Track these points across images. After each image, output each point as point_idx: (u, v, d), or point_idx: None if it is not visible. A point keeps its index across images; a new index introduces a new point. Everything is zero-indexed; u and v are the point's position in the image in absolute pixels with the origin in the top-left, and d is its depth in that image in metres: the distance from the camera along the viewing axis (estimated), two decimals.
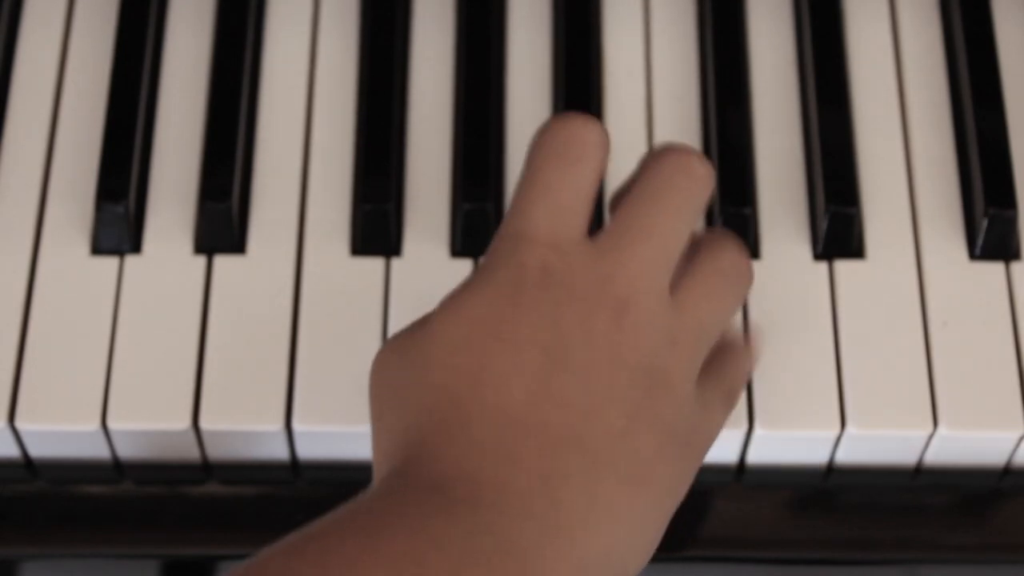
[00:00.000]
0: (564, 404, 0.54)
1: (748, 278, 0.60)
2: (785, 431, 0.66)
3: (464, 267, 0.70)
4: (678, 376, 0.56)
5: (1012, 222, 0.69)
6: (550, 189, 0.57)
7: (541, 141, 0.58)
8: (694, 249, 0.59)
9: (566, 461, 0.53)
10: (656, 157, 0.59)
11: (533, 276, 0.55)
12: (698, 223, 0.59)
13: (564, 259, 0.56)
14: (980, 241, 0.70)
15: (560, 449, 0.53)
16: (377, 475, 0.56)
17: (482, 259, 0.58)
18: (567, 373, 0.54)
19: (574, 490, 0.53)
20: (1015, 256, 0.70)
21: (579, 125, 0.58)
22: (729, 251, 0.59)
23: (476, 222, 0.69)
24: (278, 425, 0.67)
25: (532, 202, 0.57)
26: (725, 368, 0.60)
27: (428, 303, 0.69)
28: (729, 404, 0.60)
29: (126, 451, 0.68)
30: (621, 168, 0.72)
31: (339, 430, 0.66)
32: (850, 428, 0.66)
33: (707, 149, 0.72)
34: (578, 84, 0.72)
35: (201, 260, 0.70)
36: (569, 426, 0.54)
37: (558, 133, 0.58)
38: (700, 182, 0.58)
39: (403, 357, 0.57)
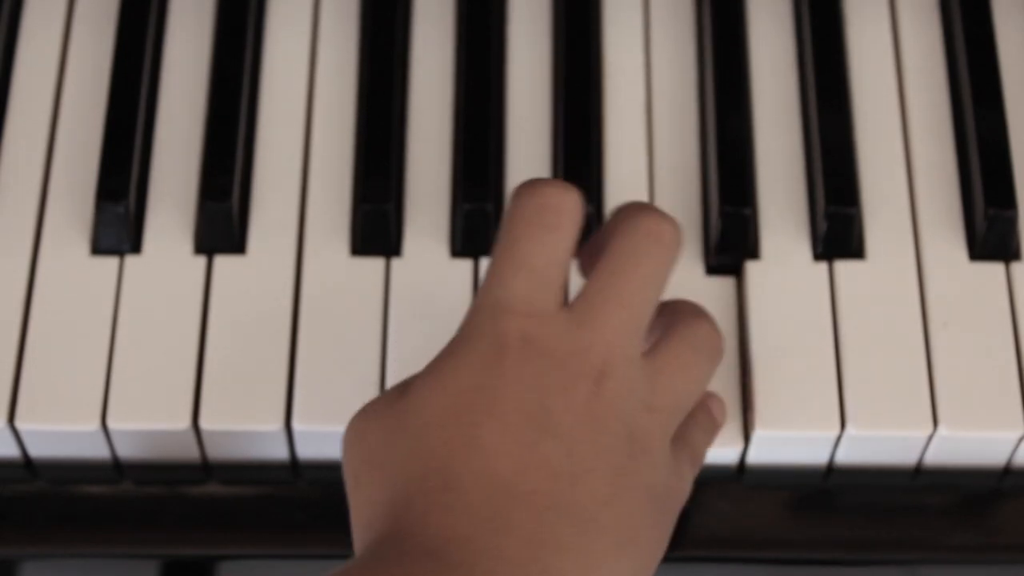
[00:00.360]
0: (551, 471, 0.55)
1: (719, 352, 0.62)
2: (785, 431, 0.66)
3: (464, 267, 0.70)
4: (656, 441, 0.58)
5: (1012, 222, 0.69)
6: (527, 258, 0.58)
7: (516, 207, 0.58)
8: (665, 313, 0.61)
9: (557, 528, 0.55)
10: (627, 220, 0.59)
11: (514, 346, 0.56)
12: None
13: (543, 328, 0.57)
14: (980, 241, 0.70)
15: (549, 516, 0.55)
16: (358, 544, 0.57)
17: (460, 326, 0.59)
18: (553, 441, 0.56)
19: (566, 557, 0.54)
20: (1015, 256, 0.70)
21: (554, 191, 0.58)
22: (704, 326, 0.61)
23: (476, 222, 0.69)
24: (278, 425, 0.67)
25: (509, 271, 0.58)
26: (691, 433, 0.62)
27: (428, 303, 0.69)
28: (694, 468, 0.62)
29: (126, 451, 0.68)
30: (621, 168, 0.72)
31: (339, 430, 0.65)
32: (850, 428, 0.66)
33: (707, 149, 0.72)
34: (578, 85, 0.72)
35: (201, 260, 0.70)
36: (557, 493, 0.55)
37: (533, 199, 0.58)
38: (670, 248, 0.59)
39: (385, 427, 0.58)
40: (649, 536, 0.57)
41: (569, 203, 0.58)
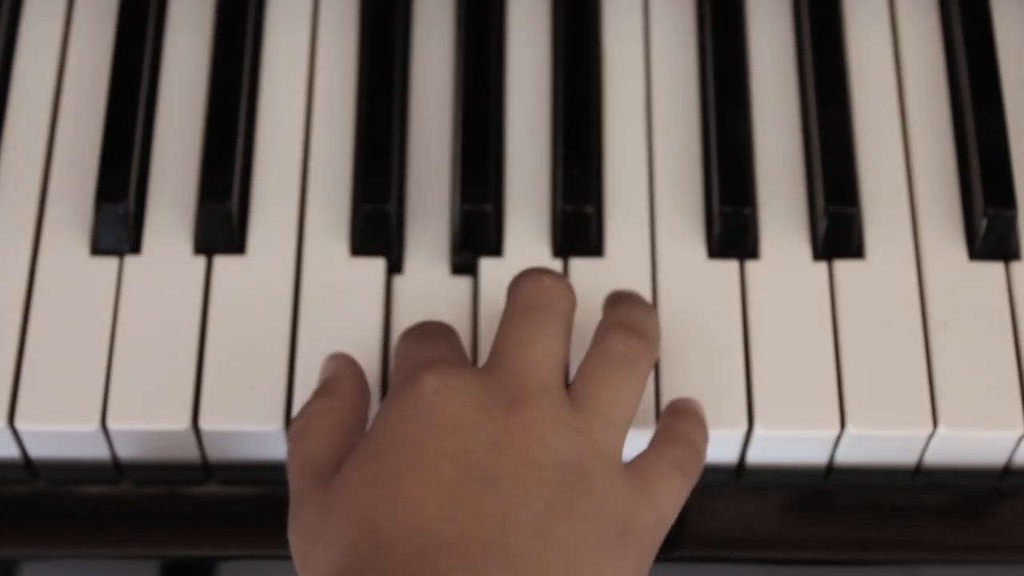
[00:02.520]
0: (479, 513, 0.56)
1: (637, 356, 0.62)
2: (785, 431, 0.66)
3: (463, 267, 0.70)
4: (592, 466, 0.59)
5: (1012, 222, 0.69)
6: (427, 341, 0.63)
7: (401, 337, 0.64)
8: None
9: (490, 570, 0.55)
10: (512, 283, 0.64)
11: (429, 395, 0.59)
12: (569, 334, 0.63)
13: (455, 375, 0.60)
14: (980, 241, 0.70)
15: (483, 557, 0.55)
16: None
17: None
18: (478, 483, 0.57)
19: None
20: (1015, 256, 0.70)
21: (431, 321, 0.65)
22: (615, 337, 0.62)
23: (476, 222, 0.69)
24: (278, 425, 0.67)
25: (414, 348, 0.62)
26: (663, 448, 0.62)
27: (428, 303, 0.69)
28: (684, 474, 0.62)
29: (126, 451, 0.68)
30: (621, 167, 0.72)
31: None
32: (850, 428, 0.66)
33: (707, 148, 0.72)
34: (578, 84, 0.72)
35: (201, 260, 0.70)
36: (487, 534, 0.56)
37: (416, 327, 0.64)
38: (555, 291, 0.63)
39: (319, 505, 0.59)
40: (599, 562, 0.57)
41: (444, 327, 0.65)
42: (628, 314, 0.64)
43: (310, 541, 0.59)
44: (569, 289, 0.63)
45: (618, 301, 0.65)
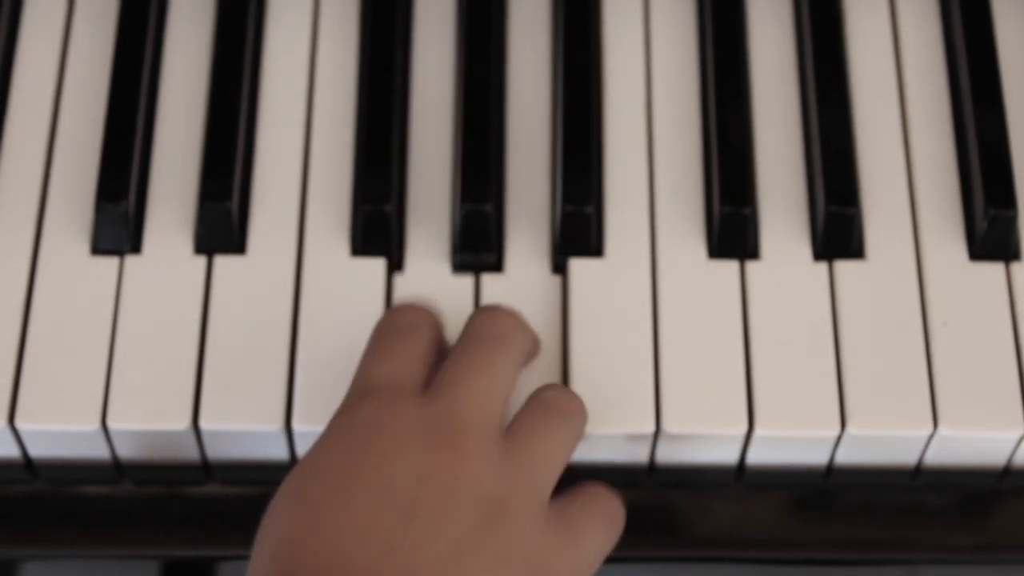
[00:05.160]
0: (390, 544, 0.57)
1: (575, 411, 0.64)
2: (785, 431, 0.66)
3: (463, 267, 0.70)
4: (515, 506, 0.59)
5: (1012, 222, 0.69)
6: (389, 352, 0.63)
7: (379, 324, 0.65)
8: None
9: None
10: (472, 315, 0.65)
11: (366, 424, 0.60)
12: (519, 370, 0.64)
13: (395, 406, 0.61)
14: (980, 241, 0.70)
15: None
16: None
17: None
18: (395, 513, 0.57)
19: None
20: (1015, 256, 0.70)
21: (410, 306, 0.66)
22: (552, 387, 0.64)
23: (477, 222, 0.69)
24: (278, 425, 0.67)
25: (370, 364, 0.63)
26: (594, 492, 0.64)
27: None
28: (610, 525, 0.63)
29: (126, 451, 0.68)
30: (622, 167, 0.72)
31: None
32: (850, 428, 0.66)
33: (707, 148, 0.72)
34: (578, 84, 0.72)
35: (201, 260, 0.70)
36: (396, 564, 0.57)
37: (394, 313, 0.65)
38: (511, 328, 0.64)
39: (266, 512, 0.61)
40: None
41: (424, 313, 0.65)
42: (559, 386, 0.65)
43: (253, 548, 0.60)
44: (525, 329, 0.65)
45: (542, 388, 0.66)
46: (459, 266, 0.70)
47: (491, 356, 0.63)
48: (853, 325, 0.68)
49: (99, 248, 0.70)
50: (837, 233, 0.69)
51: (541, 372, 0.67)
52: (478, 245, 0.70)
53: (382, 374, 0.62)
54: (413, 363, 0.63)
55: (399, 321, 0.65)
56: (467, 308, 0.69)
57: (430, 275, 0.70)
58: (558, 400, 0.63)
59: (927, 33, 0.75)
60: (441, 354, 0.65)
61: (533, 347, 0.66)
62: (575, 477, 0.68)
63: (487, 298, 0.69)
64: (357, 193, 0.71)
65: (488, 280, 0.69)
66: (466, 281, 0.70)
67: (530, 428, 0.62)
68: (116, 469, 0.69)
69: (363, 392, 0.62)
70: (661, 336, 0.68)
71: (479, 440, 0.60)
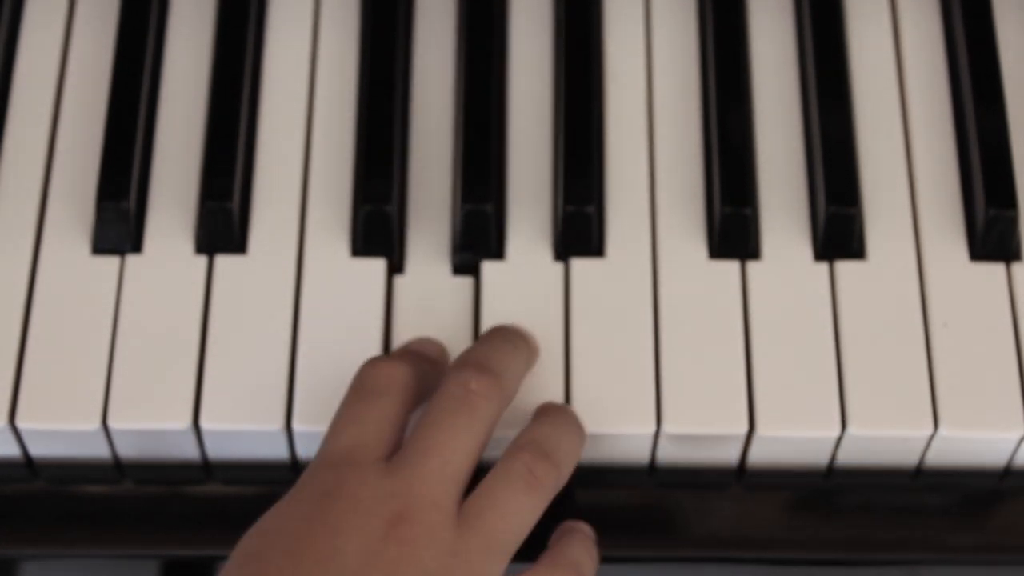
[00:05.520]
0: None
1: (545, 484, 0.62)
2: (786, 431, 0.66)
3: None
4: None
5: (1012, 222, 0.69)
6: (357, 415, 0.63)
7: (355, 380, 0.64)
8: None
9: None
10: (446, 378, 0.64)
11: (324, 493, 0.60)
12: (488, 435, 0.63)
13: (355, 476, 0.61)
14: (981, 242, 0.70)
15: None
16: None
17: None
18: None
19: None
20: (1015, 256, 0.70)
21: (386, 365, 0.64)
22: (520, 459, 0.62)
23: (477, 223, 0.69)
24: (278, 425, 0.67)
25: (339, 429, 0.63)
26: (549, 566, 0.63)
27: (428, 304, 0.69)
28: None
29: (126, 451, 0.68)
30: (622, 168, 0.72)
31: None
32: (850, 428, 0.66)
33: (708, 149, 0.72)
34: (578, 84, 0.72)
35: (202, 260, 0.70)
36: None
37: (366, 372, 0.64)
38: (479, 398, 0.63)
39: (223, 568, 0.61)
40: None
41: (398, 374, 0.64)
42: (545, 434, 0.64)
43: None
44: (497, 390, 0.63)
45: (541, 416, 0.65)
46: (459, 266, 0.70)
47: (458, 427, 0.62)
48: (853, 325, 0.68)
49: (99, 248, 0.70)
50: (838, 233, 0.69)
51: (542, 371, 0.67)
52: (478, 245, 0.70)
53: (347, 441, 0.62)
54: (380, 431, 0.63)
55: (370, 382, 0.64)
56: (467, 308, 0.69)
57: (430, 275, 0.70)
58: (521, 472, 0.62)
59: (928, 33, 0.75)
60: (437, 379, 0.65)
61: (504, 404, 0.64)
62: (576, 477, 0.68)
63: (487, 297, 0.69)
64: (357, 193, 0.71)
65: (488, 281, 0.69)
66: (466, 281, 0.70)
67: (487, 507, 0.61)
68: (116, 469, 0.69)
69: (327, 459, 0.62)
70: (662, 336, 0.68)
71: (430, 523, 0.60)
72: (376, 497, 0.60)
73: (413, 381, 0.64)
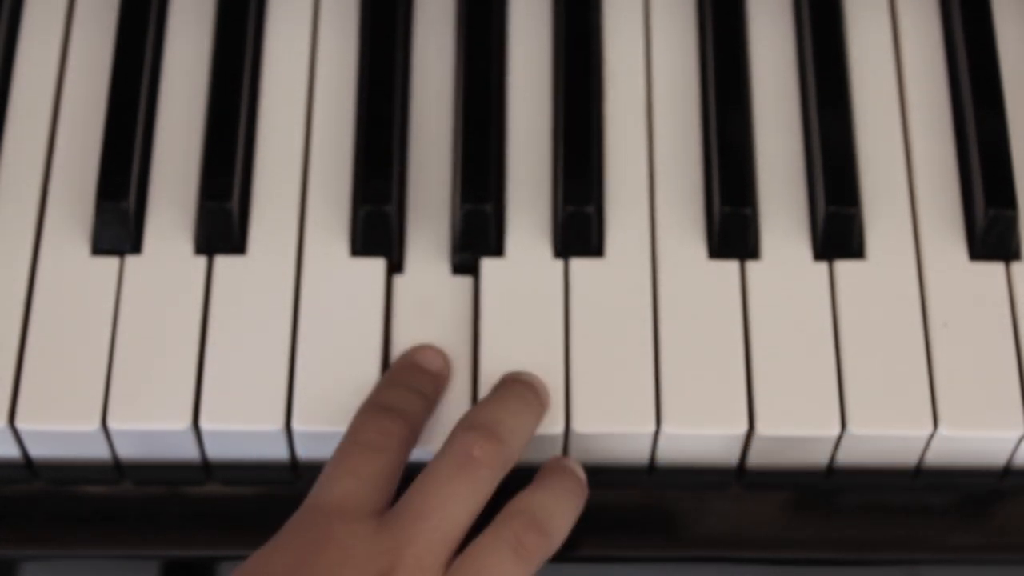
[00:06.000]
0: None
1: (536, 551, 0.62)
2: (785, 431, 0.66)
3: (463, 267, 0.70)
4: None
5: (1012, 222, 0.69)
6: (353, 467, 0.63)
7: (351, 429, 0.64)
8: None
9: None
10: (451, 436, 0.63)
11: (314, 543, 0.60)
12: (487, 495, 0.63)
13: (347, 528, 0.61)
14: (980, 241, 0.70)
15: None
16: None
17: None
18: None
19: None
20: (1015, 256, 0.70)
21: (383, 419, 0.64)
22: (512, 526, 0.62)
23: (477, 223, 0.69)
24: (278, 425, 0.67)
25: (333, 478, 0.63)
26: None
27: (428, 304, 0.69)
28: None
29: (126, 451, 0.68)
30: (622, 168, 0.72)
31: (339, 430, 0.66)
32: (851, 428, 0.66)
33: (707, 148, 0.72)
34: (578, 84, 0.72)
35: (201, 260, 0.70)
36: None
37: (364, 424, 0.64)
38: (481, 466, 0.62)
39: None
40: None
41: (396, 429, 0.64)
42: (540, 502, 0.64)
43: None
44: (500, 459, 0.63)
45: (542, 479, 0.65)
46: (459, 265, 0.70)
47: (455, 493, 0.62)
48: (853, 325, 0.68)
49: (99, 248, 0.70)
50: (837, 233, 0.69)
51: (542, 371, 0.67)
52: (478, 245, 0.70)
53: (340, 492, 0.62)
54: (375, 487, 0.62)
55: (365, 437, 0.64)
56: (466, 308, 0.69)
57: (429, 275, 0.70)
58: (511, 541, 0.62)
59: (927, 33, 0.75)
60: (438, 395, 0.66)
61: (511, 461, 0.64)
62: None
63: (486, 296, 0.69)
64: (357, 193, 0.71)
65: (487, 279, 0.69)
66: (466, 280, 0.70)
67: (476, 568, 0.61)
68: (116, 469, 0.69)
69: (318, 507, 0.62)
70: (661, 336, 0.68)
71: (415, 574, 0.60)
72: (366, 553, 0.60)
73: (410, 433, 0.64)
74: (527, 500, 0.63)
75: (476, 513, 0.62)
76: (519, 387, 0.66)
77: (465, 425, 0.64)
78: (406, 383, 0.66)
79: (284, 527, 0.62)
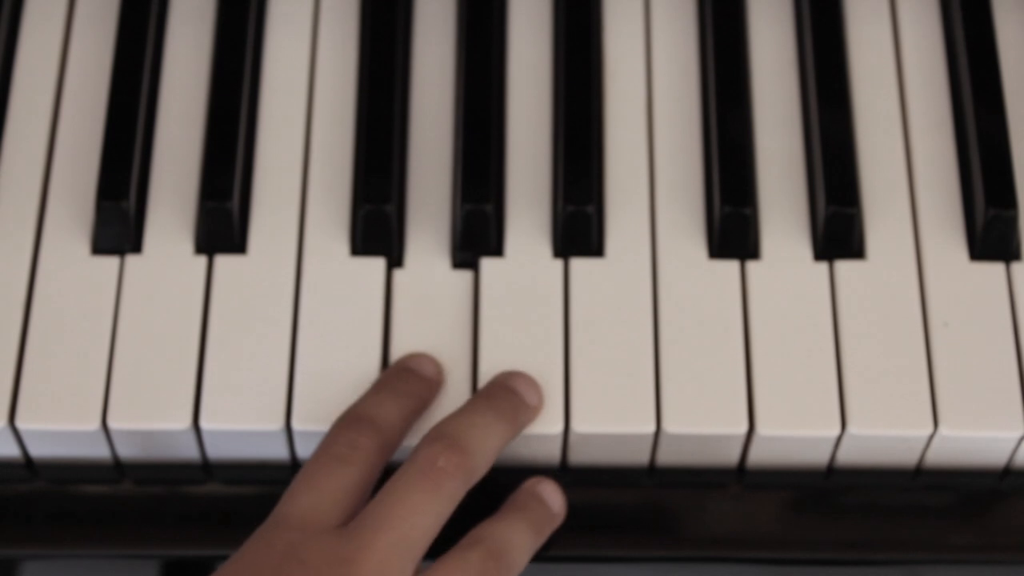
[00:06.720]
0: None
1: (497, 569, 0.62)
2: (786, 431, 0.66)
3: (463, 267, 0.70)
4: None
5: (1012, 222, 0.69)
6: (316, 480, 0.63)
7: (324, 439, 0.64)
8: None
9: None
10: (418, 446, 0.63)
11: (276, 555, 0.61)
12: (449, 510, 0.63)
13: (309, 541, 0.61)
14: (980, 241, 0.70)
15: None
16: None
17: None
18: None
19: None
20: (1015, 256, 0.70)
21: (354, 432, 0.64)
22: (473, 555, 0.62)
23: (477, 222, 0.69)
24: (278, 425, 0.67)
25: (297, 491, 0.63)
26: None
27: (428, 303, 0.69)
28: None
29: (126, 451, 0.68)
30: (622, 167, 0.72)
31: None
32: (851, 428, 0.66)
33: (707, 148, 0.72)
34: (578, 84, 0.72)
35: (201, 260, 0.70)
36: None
37: (336, 435, 0.64)
38: (446, 476, 0.62)
39: None
40: None
41: (366, 442, 0.64)
42: (503, 534, 0.64)
43: None
44: (465, 471, 0.63)
45: (511, 509, 0.65)
46: (459, 266, 0.70)
47: (418, 503, 0.61)
48: (853, 325, 0.68)
49: (99, 248, 0.70)
50: (837, 233, 0.69)
51: (542, 371, 0.67)
52: (478, 245, 0.70)
53: (304, 505, 0.62)
54: (336, 500, 0.62)
55: (336, 449, 0.63)
56: (466, 308, 0.69)
57: (430, 276, 0.70)
58: (476, 568, 0.62)
59: (927, 33, 0.75)
60: (427, 402, 0.66)
61: (477, 476, 0.64)
62: (576, 476, 0.68)
63: (486, 295, 0.69)
64: (357, 193, 0.71)
65: (487, 278, 0.69)
66: (465, 281, 0.70)
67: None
68: (116, 469, 0.69)
69: (281, 522, 0.62)
70: (661, 336, 0.68)
71: None
72: (327, 563, 0.60)
73: (383, 446, 0.64)
74: (491, 529, 0.64)
75: (440, 524, 0.62)
76: (497, 397, 0.66)
77: (432, 436, 0.63)
78: (393, 387, 0.66)
79: (247, 542, 0.62)
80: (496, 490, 0.64)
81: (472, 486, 0.63)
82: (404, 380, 0.66)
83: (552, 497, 0.67)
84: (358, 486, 0.63)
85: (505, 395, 0.66)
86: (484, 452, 0.64)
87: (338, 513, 0.62)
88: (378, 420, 0.64)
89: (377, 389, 0.66)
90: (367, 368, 0.67)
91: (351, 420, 0.64)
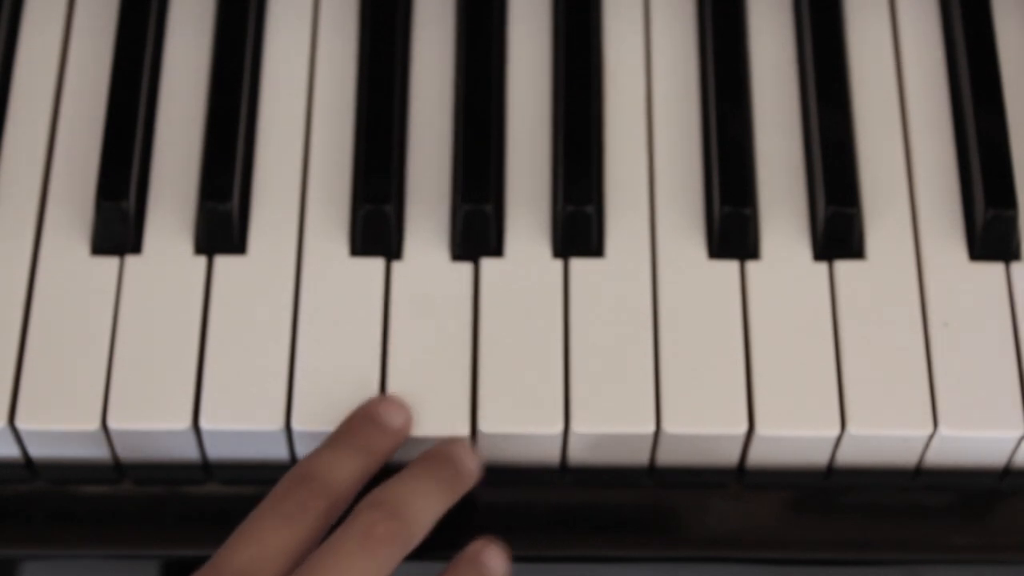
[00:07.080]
0: None
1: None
2: (785, 431, 0.66)
3: (464, 268, 0.70)
4: None
5: (1012, 222, 0.69)
6: (260, 537, 0.62)
7: (273, 491, 0.63)
8: None
9: None
10: (356, 511, 0.62)
11: None
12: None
13: None
14: (980, 241, 0.70)
15: None
16: None
17: None
18: None
19: None
20: (1015, 256, 0.70)
21: (306, 493, 0.63)
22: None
23: (477, 223, 0.69)
24: (278, 425, 0.67)
25: (241, 543, 0.62)
26: None
27: (427, 303, 0.69)
28: None
29: (126, 451, 0.68)
30: (622, 168, 0.72)
31: None
32: (850, 428, 0.66)
33: (707, 148, 0.72)
34: (578, 84, 0.72)
35: (201, 260, 0.70)
36: None
37: (286, 488, 0.63)
38: (381, 545, 0.61)
39: None
40: None
41: (314, 503, 0.62)
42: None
43: None
44: (402, 539, 0.62)
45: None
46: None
47: (352, 569, 0.61)
48: (853, 325, 0.68)
49: (99, 248, 0.70)
50: (837, 233, 0.69)
51: (542, 371, 0.67)
52: (478, 245, 0.70)
53: (245, 559, 0.61)
54: (281, 556, 0.62)
55: (283, 507, 0.63)
56: (465, 307, 0.69)
57: (429, 276, 0.70)
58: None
59: (927, 33, 0.75)
60: (391, 451, 0.65)
61: (424, 531, 0.63)
62: (576, 477, 0.68)
63: (485, 295, 0.69)
64: (357, 193, 0.71)
65: (487, 278, 0.69)
66: (465, 281, 0.70)
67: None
68: (116, 469, 0.69)
69: (223, 569, 0.61)
70: (661, 336, 0.68)
71: None
72: None
73: (332, 506, 0.63)
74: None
75: (395, 567, 0.62)
76: (437, 464, 0.65)
77: (372, 501, 0.63)
78: (353, 442, 0.65)
79: None
80: (495, 491, 0.64)
81: (408, 553, 0.62)
82: (366, 434, 0.65)
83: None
84: (302, 545, 0.62)
85: (445, 463, 0.65)
86: (422, 521, 0.63)
87: (276, 570, 0.61)
88: (331, 483, 0.64)
89: (336, 443, 0.65)
90: (367, 368, 0.67)
91: (305, 478, 0.64)
